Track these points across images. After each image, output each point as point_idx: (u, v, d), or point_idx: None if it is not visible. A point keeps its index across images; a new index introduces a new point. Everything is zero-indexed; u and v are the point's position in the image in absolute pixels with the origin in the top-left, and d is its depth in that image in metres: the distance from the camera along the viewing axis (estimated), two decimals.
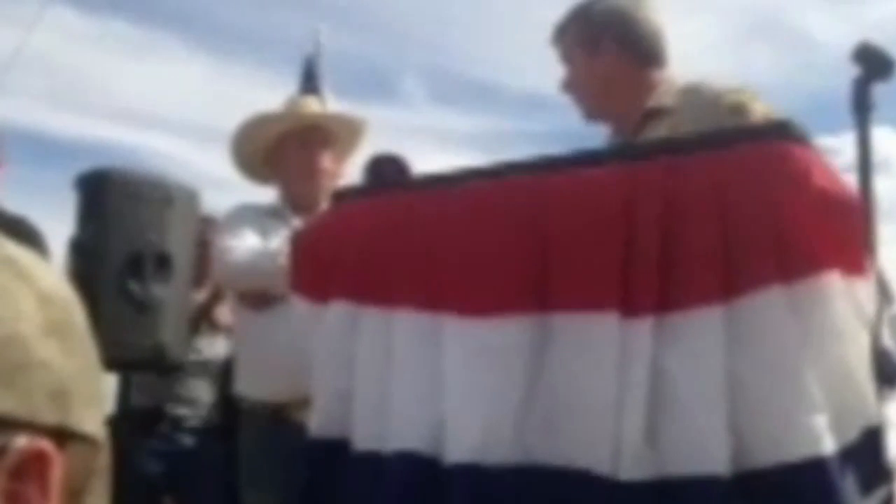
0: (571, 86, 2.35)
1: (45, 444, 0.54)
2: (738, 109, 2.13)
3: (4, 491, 0.53)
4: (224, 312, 3.43)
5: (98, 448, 0.61)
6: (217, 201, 3.58)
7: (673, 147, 1.77)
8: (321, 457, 1.92)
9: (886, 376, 1.77)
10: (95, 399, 0.60)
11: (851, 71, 1.88)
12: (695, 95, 2.22)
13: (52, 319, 0.57)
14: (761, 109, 2.12)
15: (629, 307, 1.63)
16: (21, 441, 0.53)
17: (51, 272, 0.61)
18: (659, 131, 2.19)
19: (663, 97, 2.28)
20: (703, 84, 2.25)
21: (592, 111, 2.35)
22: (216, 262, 3.06)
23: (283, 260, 2.79)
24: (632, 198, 1.66)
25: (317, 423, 1.95)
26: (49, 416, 0.55)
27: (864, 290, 1.62)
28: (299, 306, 2.01)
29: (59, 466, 0.55)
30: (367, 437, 1.83)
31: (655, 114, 2.25)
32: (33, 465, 0.53)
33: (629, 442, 1.59)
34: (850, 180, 1.76)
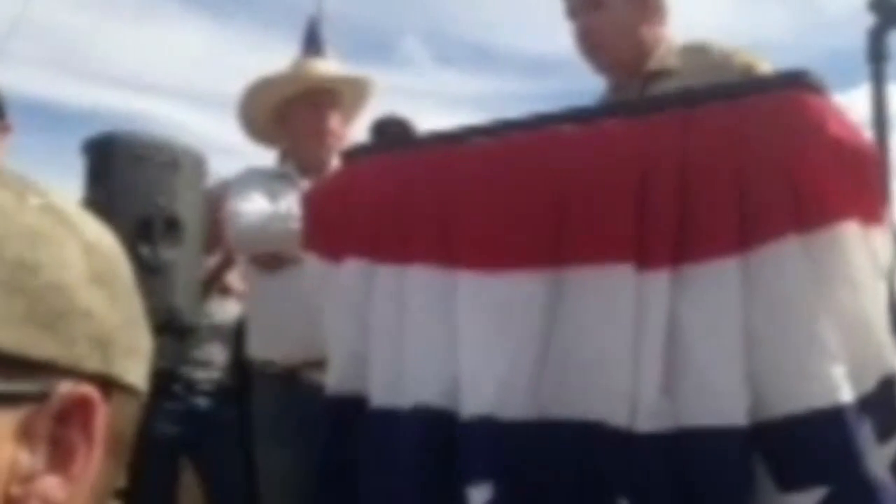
0: (593, 30, 2.28)
1: (89, 390, 0.54)
2: (749, 71, 2.12)
3: (49, 435, 0.53)
4: (235, 278, 3.44)
5: (140, 401, 0.61)
6: (220, 166, 3.57)
7: (688, 99, 1.76)
8: (339, 414, 1.93)
9: None
10: (138, 351, 0.60)
11: (863, 25, 1.87)
12: (701, 56, 2.21)
13: (96, 269, 0.57)
14: (769, 71, 2.11)
15: (645, 259, 1.62)
16: (65, 386, 0.53)
17: (95, 222, 0.60)
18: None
19: (666, 58, 2.26)
20: (708, 44, 2.24)
21: (610, 60, 2.28)
22: (227, 226, 3.06)
23: (294, 222, 2.79)
24: (647, 150, 1.66)
25: (333, 380, 1.96)
26: (92, 364, 0.55)
27: (881, 238, 1.61)
28: (313, 265, 2.01)
29: (103, 413, 0.55)
30: (383, 392, 1.84)
31: (658, 75, 2.23)
32: (77, 411, 0.54)
33: (646, 394, 1.59)
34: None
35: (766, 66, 2.13)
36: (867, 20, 1.88)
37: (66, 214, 0.58)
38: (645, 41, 2.29)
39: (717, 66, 2.13)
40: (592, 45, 2.29)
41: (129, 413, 0.60)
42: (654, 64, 2.27)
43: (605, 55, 2.29)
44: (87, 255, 0.57)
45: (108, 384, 0.56)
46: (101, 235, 0.60)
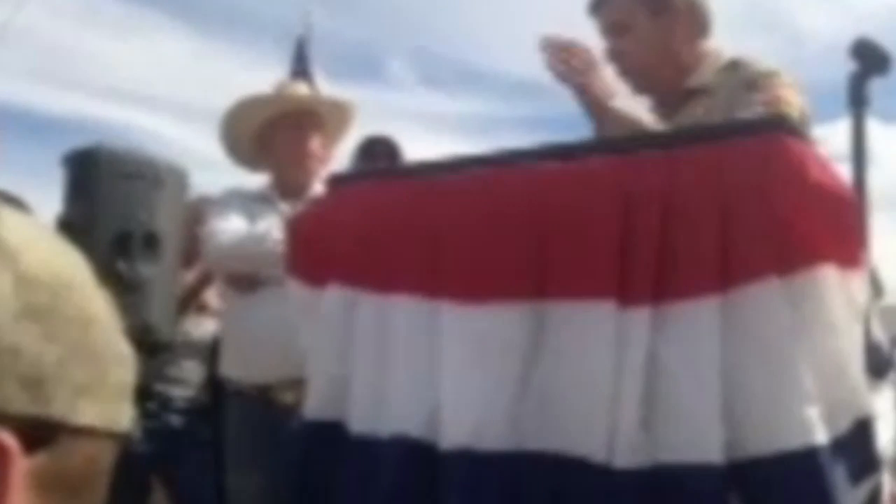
0: (624, 53, 2.22)
1: (5, 437, 0.50)
2: (756, 85, 2.08)
3: None
4: (212, 295, 3.43)
5: (107, 441, 0.57)
6: (202, 180, 3.57)
7: (671, 139, 1.78)
8: (316, 439, 1.93)
9: (876, 368, 1.79)
10: (94, 388, 0.56)
11: (841, 62, 1.89)
12: (732, 74, 2.16)
13: (29, 302, 0.53)
14: (786, 97, 2.04)
15: (626, 296, 1.64)
16: None
17: (44, 250, 0.57)
18: (696, 111, 2.13)
19: (706, 75, 2.21)
20: (743, 62, 2.19)
21: (647, 80, 2.22)
22: (204, 244, 3.06)
23: (270, 244, 2.80)
24: (630, 188, 1.67)
25: (312, 406, 1.96)
26: (19, 406, 0.51)
27: (857, 282, 1.64)
28: (296, 290, 2.01)
29: (21, 462, 0.51)
30: (362, 420, 1.84)
31: (695, 93, 2.20)
32: None
33: (624, 429, 1.60)
34: (840, 169, 1.77)
35: (786, 92, 2.05)
36: (849, 59, 1.89)
37: (4, 245, 0.54)
38: (683, 58, 2.23)
39: (743, 86, 2.09)
40: (624, 69, 2.22)
41: (89, 456, 0.56)
42: (693, 81, 2.22)
43: (639, 79, 2.23)
44: (19, 288, 0.53)
45: (49, 427, 0.53)
46: (44, 265, 0.56)
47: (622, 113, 2.04)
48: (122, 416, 0.59)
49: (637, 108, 2.09)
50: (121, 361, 0.60)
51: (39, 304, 0.54)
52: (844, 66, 1.89)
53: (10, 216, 0.56)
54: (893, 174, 4.83)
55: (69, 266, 0.58)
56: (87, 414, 0.55)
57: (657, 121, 2.10)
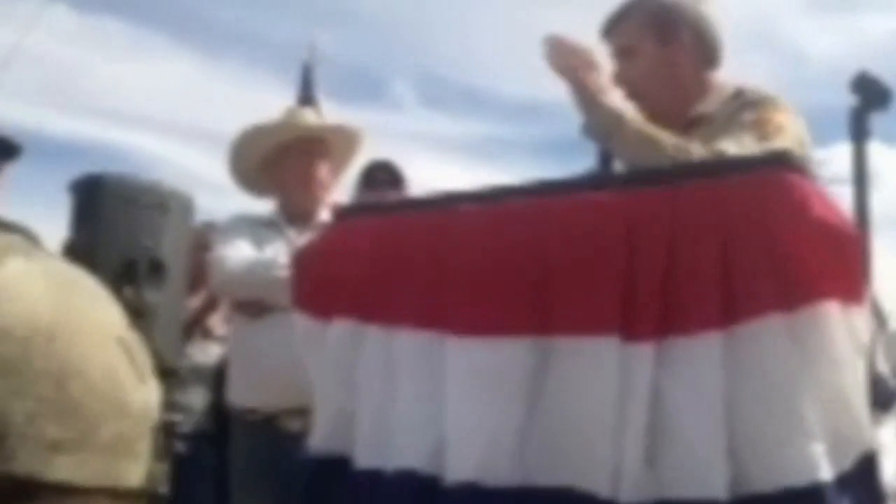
0: (631, 80, 2.23)
1: None
2: (749, 108, 2.10)
3: None
4: (217, 321, 3.44)
5: (105, 499, 0.55)
6: (207, 204, 3.58)
7: (674, 174, 1.79)
8: (321, 473, 1.93)
9: (880, 401, 1.80)
10: (80, 444, 0.54)
11: (844, 85, 1.90)
12: (734, 102, 2.18)
13: None
14: (777, 120, 2.06)
15: (630, 331, 1.64)
16: None
17: (35, 302, 0.54)
18: (694, 139, 2.15)
19: (710, 104, 2.22)
20: (742, 90, 2.21)
21: (652, 108, 2.21)
22: (212, 270, 3.07)
23: (278, 270, 2.81)
24: (634, 223, 1.68)
25: (318, 439, 1.96)
26: None
27: (860, 317, 1.64)
28: (301, 322, 2.02)
29: None
30: (367, 454, 1.84)
31: (697, 122, 2.21)
32: None
33: (629, 465, 1.60)
34: (839, 193, 1.78)
35: (778, 116, 2.07)
36: (851, 94, 1.90)
37: None
38: (688, 87, 2.24)
39: (739, 110, 2.10)
40: (629, 94, 2.24)
41: None
42: (697, 110, 2.23)
43: (643, 104, 2.23)
44: None
45: (16, 482, 0.50)
46: (23, 317, 0.53)
47: (609, 108, 2.06)
48: (125, 472, 0.56)
49: (627, 106, 2.09)
50: (120, 414, 0.57)
51: (9, 358, 0.52)
52: (847, 89, 1.90)
53: (12, 262, 0.54)
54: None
55: (58, 316, 0.55)
56: (67, 470, 0.53)
57: (645, 120, 2.11)
